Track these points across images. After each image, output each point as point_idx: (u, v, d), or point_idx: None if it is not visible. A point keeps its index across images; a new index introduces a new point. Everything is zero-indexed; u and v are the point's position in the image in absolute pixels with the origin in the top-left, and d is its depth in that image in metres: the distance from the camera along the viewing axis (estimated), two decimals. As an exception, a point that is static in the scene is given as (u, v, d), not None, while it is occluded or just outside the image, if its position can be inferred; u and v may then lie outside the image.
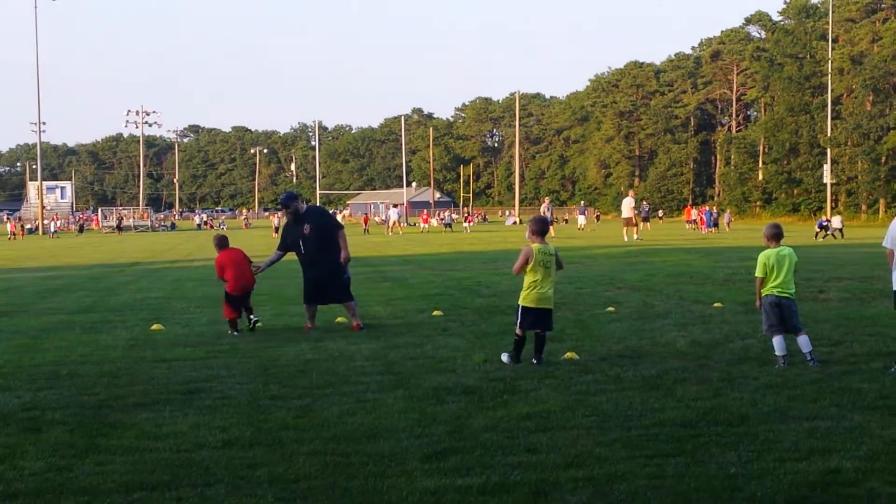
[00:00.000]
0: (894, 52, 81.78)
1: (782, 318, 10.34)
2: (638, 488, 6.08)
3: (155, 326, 14.64)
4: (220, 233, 17.08)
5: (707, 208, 65.67)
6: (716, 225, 60.22)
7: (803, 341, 10.30)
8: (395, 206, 75.48)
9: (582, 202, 76.01)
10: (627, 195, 50.72)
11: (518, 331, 10.73)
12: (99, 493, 6.18)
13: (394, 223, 67.83)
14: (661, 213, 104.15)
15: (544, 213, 50.90)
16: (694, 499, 5.88)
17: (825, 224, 48.99)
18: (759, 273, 10.55)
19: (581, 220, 64.68)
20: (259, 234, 73.57)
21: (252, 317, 14.15)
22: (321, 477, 6.46)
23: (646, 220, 64.47)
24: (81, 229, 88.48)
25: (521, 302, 10.77)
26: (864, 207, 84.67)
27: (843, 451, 6.79)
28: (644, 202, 75.96)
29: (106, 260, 36.27)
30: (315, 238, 13.93)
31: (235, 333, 13.76)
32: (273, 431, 7.69)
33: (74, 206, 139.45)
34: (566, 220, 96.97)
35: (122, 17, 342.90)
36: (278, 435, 7.57)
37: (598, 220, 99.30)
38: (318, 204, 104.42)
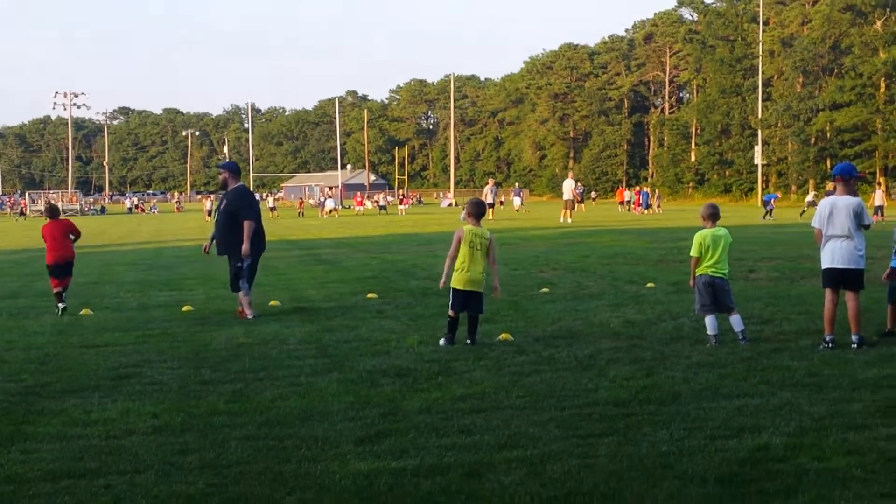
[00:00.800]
0: (823, 35, 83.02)
1: (715, 298, 10.46)
2: (571, 468, 6.09)
3: (84, 311, 14.40)
4: (52, 203, 17.54)
5: (643, 189, 66.16)
6: (648, 206, 60.84)
7: (735, 320, 10.42)
8: (331, 196, 75.00)
9: (517, 184, 76.15)
10: (567, 177, 50.99)
11: (451, 312, 10.73)
12: (25, 482, 6.05)
13: (330, 209, 67.51)
14: (593, 194, 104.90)
15: (487, 194, 50.71)
16: (626, 477, 5.91)
17: (770, 201, 48.06)
18: (694, 252, 10.65)
19: (517, 201, 64.92)
20: (192, 217, 72.77)
21: (59, 304, 14.32)
22: (254, 462, 6.38)
23: (580, 201, 64.94)
24: (22, 213, 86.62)
25: (451, 284, 10.77)
26: (793, 188, 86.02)
27: (772, 428, 6.88)
28: (578, 183, 76.50)
29: (33, 245, 35.63)
30: (222, 218, 13.52)
31: (60, 305, 14.21)
32: (204, 417, 7.59)
33: (1, 189, 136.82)
34: (502, 203, 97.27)
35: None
36: (210, 420, 7.48)
37: (502, 204, 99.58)
38: (250, 187, 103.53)
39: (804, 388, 8.18)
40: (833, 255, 10.20)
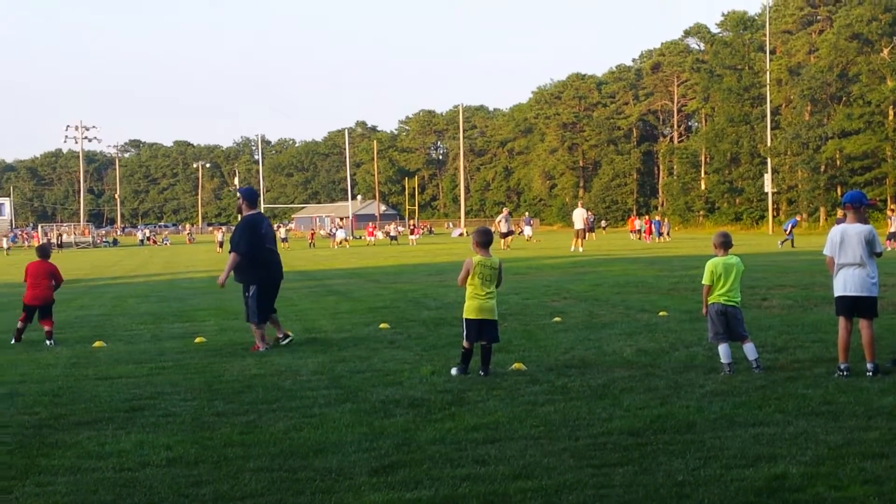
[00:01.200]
0: (830, 63, 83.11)
1: (728, 326, 10.43)
2: (586, 498, 6.07)
3: (97, 344, 14.42)
4: (44, 243, 18.06)
5: (656, 218, 66.13)
6: (661, 234, 60.76)
7: (749, 349, 10.39)
8: (341, 226, 75.23)
9: (527, 213, 76.02)
10: (577, 206, 51.01)
11: (465, 343, 10.71)
12: (39, 515, 6.05)
13: (341, 240, 67.70)
14: (603, 223, 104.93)
15: (501, 222, 50.76)
16: (643, 507, 5.88)
17: (790, 227, 46.85)
18: (706, 281, 10.63)
19: (527, 231, 64.84)
20: (204, 248, 72.93)
21: (48, 341, 14.76)
22: (268, 494, 6.37)
23: (590, 230, 64.91)
24: (61, 244, 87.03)
25: (464, 315, 10.76)
26: (804, 216, 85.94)
27: (788, 457, 6.84)
28: (588, 212, 76.53)
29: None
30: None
31: (13, 342, 14.82)
32: (218, 448, 7.58)
33: (13, 222, 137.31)
34: (521, 232, 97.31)
35: (60, 31, 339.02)
36: (223, 452, 7.47)
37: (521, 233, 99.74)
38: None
39: (820, 416, 8.14)
40: (846, 283, 10.18)
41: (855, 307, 10.15)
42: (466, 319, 10.72)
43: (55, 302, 15.63)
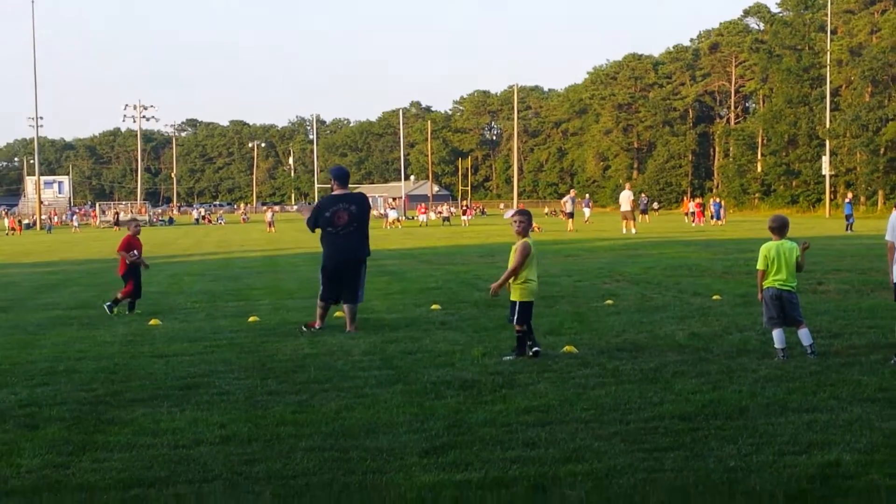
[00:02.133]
0: (893, 44, 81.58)
1: (783, 311, 10.31)
2: (637, 482, 6.05)
3: (153, 321, 14.62)
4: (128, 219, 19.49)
5: (715, 199, 65.24)
6: (720, 217, 59.85)
7: (804, 334, 10.27)
8: (393, 207, 75.43)
9: (587, 195, 75.31)
10: (624, 188, 50.75)
11: (523, 326, 10.65)
12: (96, 490, 6.16)
13: (393, 220, 67.90)
14: (655, 205, 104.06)
15: (567, 203, 50.98)
16: (693, 493, 5.86)
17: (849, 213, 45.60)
18: (760, 265, 10.52)
19: (587, 212, 64.17)
20: (258, 227, 73.47)
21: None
22: (319, 473, 6.43)
23: (644, 212, 64.40)
24: (118, 222, 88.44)
25: (521, 298, 10.69)
26: (862, 199, 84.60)
27: (842, 444, 6.77)
28: (643, 194, 75.94)
29: (103, 255, 36.25)
30: None
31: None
32: (271, 427, 7.67)
33: (72, 200, 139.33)
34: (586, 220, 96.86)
35: (119, 11, 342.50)
36: (276, 431, 7.55)
37: (555, 214, 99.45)
38: (314, 198, 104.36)
39: (875, 403, 8.04)
40: None
41: None
42: (525, 303, 10.68)
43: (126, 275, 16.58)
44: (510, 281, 10.78)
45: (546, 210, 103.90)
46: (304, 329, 13.20)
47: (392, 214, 69.28)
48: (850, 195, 50.74)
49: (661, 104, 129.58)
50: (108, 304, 16.27)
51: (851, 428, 7.22)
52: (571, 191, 55.81)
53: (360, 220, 13.56)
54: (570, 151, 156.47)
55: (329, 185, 14.52)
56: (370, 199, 14.80)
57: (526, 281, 10.72)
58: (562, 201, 52.78)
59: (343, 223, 13.42)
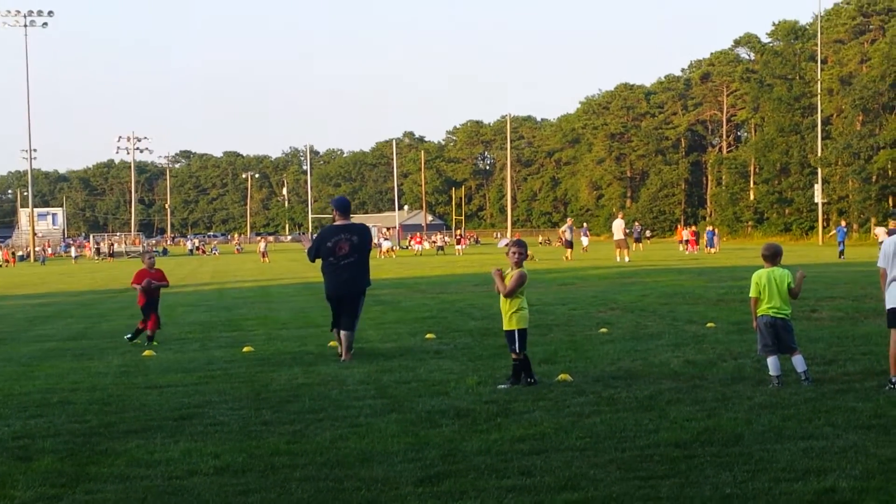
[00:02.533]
0: (883, 73, 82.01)
1: (777, 339, 10.31)
2: (633, 510, 6.03)
3: (146, 353, 14.58)
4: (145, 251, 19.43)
5: (709, 228, 65.26)
6: (713, 245, 59.77)
7: (798, 361, 10.27)
8: (387, 237, 75.63)
9: (585, 224, 75.00)
10: (617, 217, 50.84)
11: (520, 354, 10.66)
12: (90, 522, 6.12)
13: (387, 250, 67.93)
14: (648, 233, 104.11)
15: (565, 233, 50.73)
16: (689, 520, 5.84)
17: (840, 240, 45.58)
18: (752, 293, 10.54)
19: (584, 241, 63.94)
20: (252, 258, 73.44)
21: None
22: (314, 503, 6.41)
23: (637, 240, 64.44)
24: (112, 253, 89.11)
25: (517, 326, 10.72)
26: (855, 226, 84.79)
27: (838, 471, 6.76)
28: (636, 223, 76.02)
29: (97, 286, 36.21)
30: None
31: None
32: (265, 457, 7.64)
33: (66, 232, 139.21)
34: (585, 249, 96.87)
35: (112, 44, 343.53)
36: (271, 461, 7.52)
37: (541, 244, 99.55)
38: (308, 228, 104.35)
39: (870, 430, 8.03)
40: None
41: None
42: (522, 330, 10.70)
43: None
44: (504, 311, 10.82)
45: (540, 239, 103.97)
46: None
47: (385, 244, 69.32)
48: (842, 222, 50.73)
49: (654, 133, 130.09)
50: (132, 338, 16.27)
51: (847, 455, 7.21)
52: (568, 219, 55.69)
53: (361, 251, 13.62)
54: (564, 180, 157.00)
55: (328, 216, 14.67)
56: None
57: (520, 309, 10.76)
58: (560, 230, 52.61)
59: (344, 253, 13.46)
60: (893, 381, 9.79)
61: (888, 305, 10.16)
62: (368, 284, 13.86)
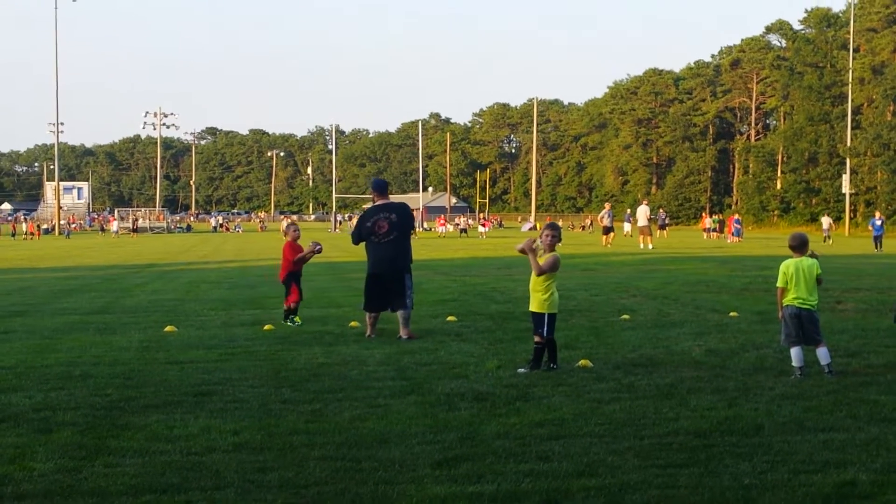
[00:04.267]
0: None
1: (801, 330, 10.23)
2: (650, 498, 6.01)
3: (168, 328, 14.64)
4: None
5: (737, 216, 64.78)
6: (740, 234, 59.14)
7: (822, 353, 10.19)
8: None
9: (629, 210, 73.86)
10: (642, 203, 50.48)
11: (544, 336, 10.63)
12: (108, 496, 6.15)
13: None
14: (667, 220, 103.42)
15: (604, 217, 49.75)
16: (707, 510, 5.81)
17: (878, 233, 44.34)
18: (779, 283, 10.45)
19: (626, 226, 63.22)
20: (275, 236, 73.60)
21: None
22: (332, 482, 6.41)
23: (662, 227, 64.07)
24: (136, 228, 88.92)
25: (549, 310, 10.68)
26: (884, 217, 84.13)
27: (858, 464, 6.71)
28: (661, 210, 75.61)
29: (121, 261, 36.37)
30: None
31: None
32: (284, 436, 7.65)
33: (91, 206, 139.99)
34: (583, 227, 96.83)
35: (140, 19, 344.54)
36: (289, 439, 7.54)
37: (582, 228, 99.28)
38: (332, 207, 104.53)
39: (892, 423, 7.97)
40: None
41: None
42: (552, 314, 10.68)
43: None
44: (536, 293, 10.76)
45: (560, 223, 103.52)
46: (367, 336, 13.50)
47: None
48: (877, 214, 50.11)
49: (682, 120, 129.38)
50: (285, 319, 15.35)
51: (868, 448, 7.16)
52: (606, 204, 54.84)
53: (401, 230, 13.69)
54: (589, 165, 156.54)
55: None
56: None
57: (552, 293, 10.72)
58: (599, 216, 51.77)
59: (384, 232, 13.57)
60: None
61: None
62: (410, 262, 13.89)
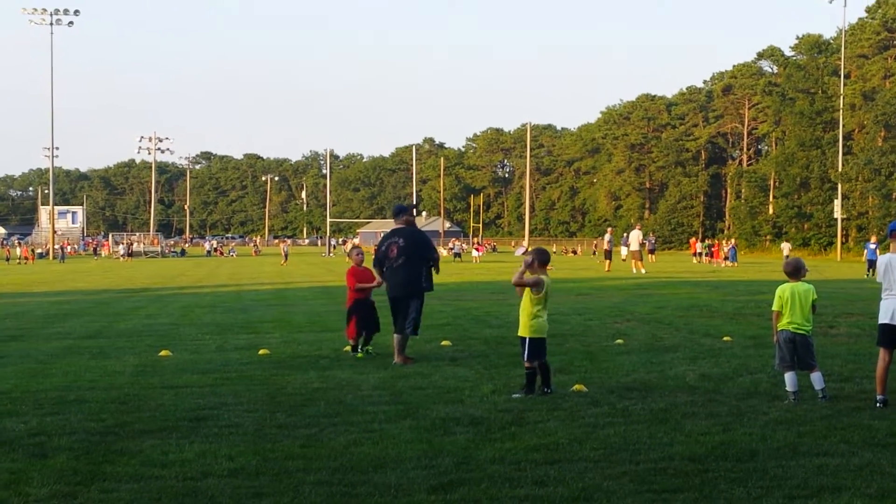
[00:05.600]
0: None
1: (796, 354, 10.26)
2: (646, 523, 6.02)
3: (163, 353, 14.63)
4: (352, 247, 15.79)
5: (731, 243, 64.93)
6: (735, 259, 59.45)
7: (816, 378, 10.22)
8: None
9: (625, 234, 73.92)
10: (634, 228, 50.51)
11: (533, 363, 10.65)
12: (104, 521, 6.15)
13: None
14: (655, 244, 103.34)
15: (607, 243, 49.58)
16: (702, 535, 5.82)
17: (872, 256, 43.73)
18: (775, 307, 10.49)
19: (623, 250, 63.09)
20: (269, 260, 73.60)
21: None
22: (327, 507, 6.41)
23: (651, 252, 64.08)
24: (130, 253, 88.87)
25: (532, 334, 10.72)
26: (874, 239, 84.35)
27: (853, 489, 6.73)
28: (651, 235, 75.67)
29: (115, 285, 36.34)
30: None
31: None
32: (279, 461, 7.66)
33: (86, 231, 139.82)
34: (574, 252, 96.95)
35: (136, 44, 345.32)
36: (285, 464, 7.54)
37: (574, 253, 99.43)
38: (326, 231, 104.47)
39: (886, 448, 7.99)
40: (889, 312, 9.99)
41: None
42: (533, 339, 10.69)
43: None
44: (522, 316, 10.82)
45: (553, 249, 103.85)
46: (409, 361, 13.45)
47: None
48: (872, 238, 50.15)
49: (674, 145, 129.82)
50: (352, 351, 14.39)
51: (862, 473, 7.18)
52: (609, 229, 54.64)
53: (409, 254, 13.75)
54: (582, 190, 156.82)
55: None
56: (382, 235, 14.81)
57: (536, 316, 10.74)
58: (603, 239, 51.54)
59: (394, 256, 13.75)
60: (879, 399, 9.79)
61: (880, 321, 10.13)
62: (421, 287, 13.90)
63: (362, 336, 14.40)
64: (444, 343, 15.58)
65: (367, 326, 14.43)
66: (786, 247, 62.36)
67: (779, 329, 10.42)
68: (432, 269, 14.18)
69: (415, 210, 14.39)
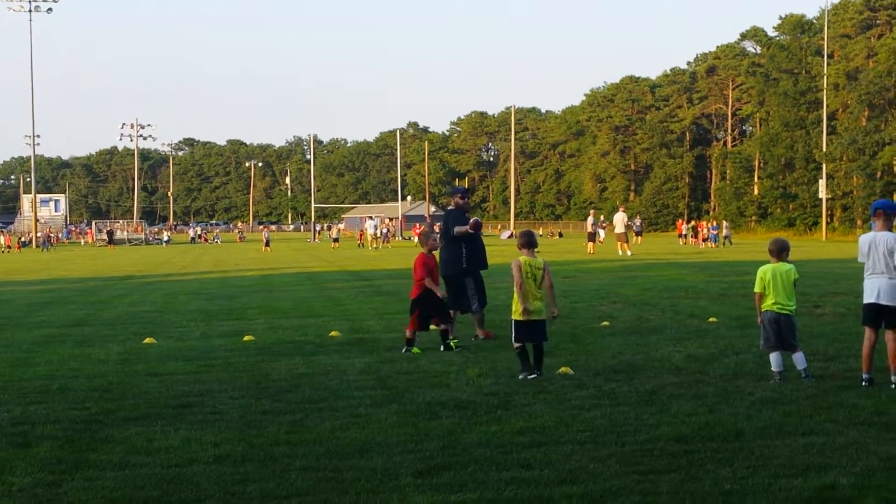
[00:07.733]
0: (889, 68, 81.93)
1: (780, 335, 10.27)
2: (632, 505, 6.02)
3: (147, 340, 14.57)
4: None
5: (714, 223, 65.18)
6: (725, 238, 59.91)
7: (798, 358, 10.24)
8: (371, 217, 75.18)
9: (602, 217, 73.82)
10: (618, 210, 50.55)
11: (516, 344, 10.71)
12: (88, 509, 6.11)
13: (371, 237, 67.80)
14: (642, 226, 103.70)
15: (591, 226, 49.77)
16: (689, 516, 5.82)
17: None
18: (757, 288, 10.49)
19: (601, 233, 62.93)
20: (254, 247, 73.45)
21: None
22: (313, 493, 6.39)
23: (638, 234, 64.23)
24: (112, 240, 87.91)
25: (512, 316, 10.78)
26: (859, 223, 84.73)
27: (838, 468, 6.74)
28: (637, 217, 75.82)
29: (98, 273, 36.17)
30: None
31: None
32: (265, 447, 7.63)
33: (68, 219, 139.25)
34: (560, 235, 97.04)
35: (117, 30, 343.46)
36: (270, 450, 7.51)
37: (560, 236, 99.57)
38: (311, 217, 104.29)
39: (871, 426, 8.01)
40: (874, 291, 9.98)
41: (881, 316, 9.95)
42: (515, 321, 10.73)
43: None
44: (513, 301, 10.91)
45: (540, 232, 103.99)
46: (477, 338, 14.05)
47: (370, 229, 69.42)
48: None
49: (659, 127, 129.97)
50: (406, 346, 13.02)
51: (848, 451, 7.19)
52: (592, 212, 54.78)
53: (444, 236, 14.59)
54: (567, 173, 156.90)
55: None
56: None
57: (515, 300, 10.80)
58: (588, 223, 51.53)
59: (443, 237, 14.67)
60: (865, 378, 9.82)
61: (864, 300, 10.13)
62: (449, 270, 14.46)
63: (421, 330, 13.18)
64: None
65: (441, 314, 13.22)
66: (725, 225, 65.75)
67: (763, 309, 10.42)
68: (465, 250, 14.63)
69: (462, 195, 14.63)
